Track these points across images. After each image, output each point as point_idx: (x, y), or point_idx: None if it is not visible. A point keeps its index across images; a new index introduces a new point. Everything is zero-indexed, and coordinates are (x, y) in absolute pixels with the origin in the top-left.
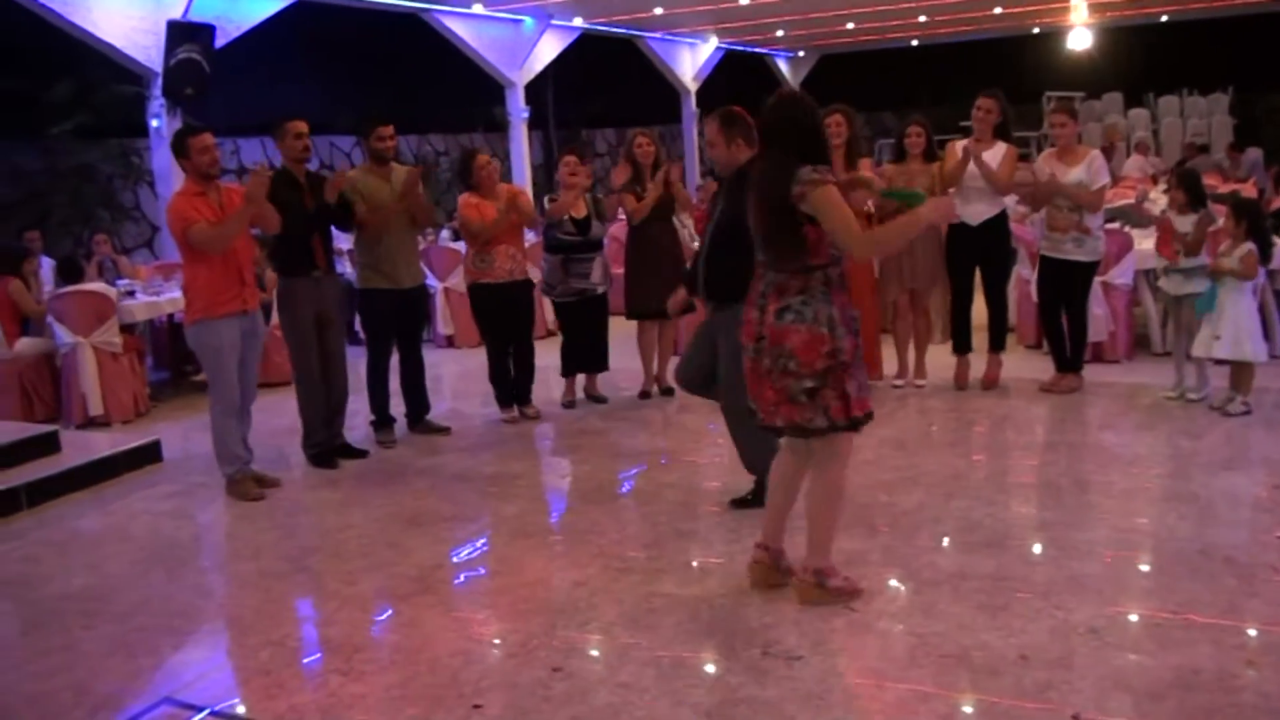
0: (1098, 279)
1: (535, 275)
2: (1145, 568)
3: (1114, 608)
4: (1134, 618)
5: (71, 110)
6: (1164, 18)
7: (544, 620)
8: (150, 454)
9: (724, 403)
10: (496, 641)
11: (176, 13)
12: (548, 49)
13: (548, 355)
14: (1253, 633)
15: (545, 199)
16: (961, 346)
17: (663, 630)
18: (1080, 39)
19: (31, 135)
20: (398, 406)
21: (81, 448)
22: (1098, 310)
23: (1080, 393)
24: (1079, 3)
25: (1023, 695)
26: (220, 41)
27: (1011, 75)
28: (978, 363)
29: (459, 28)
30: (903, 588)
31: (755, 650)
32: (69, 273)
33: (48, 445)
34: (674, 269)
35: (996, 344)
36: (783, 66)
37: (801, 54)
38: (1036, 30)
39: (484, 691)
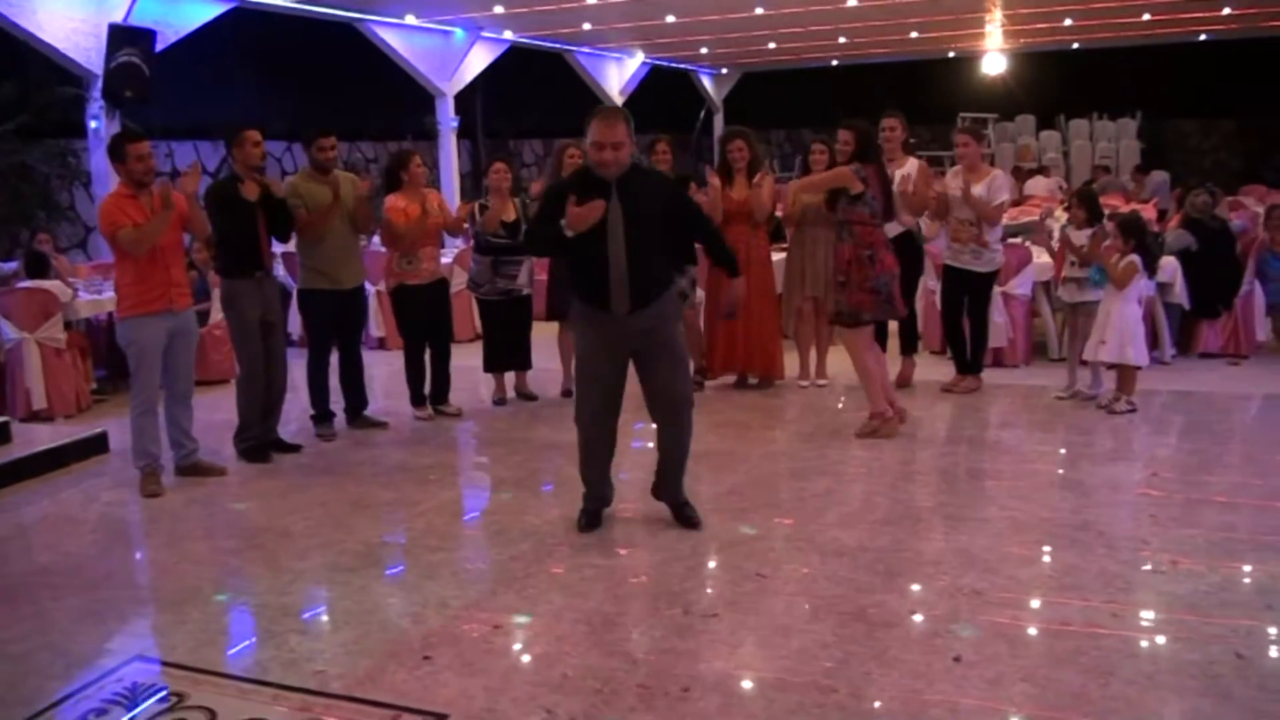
0: (999, 289)
1: (459, 277)
2: (1028, 541)
3: (996, 573)
4: (1015, 580)
5: (13, 110)
6: (1075, 45)
7: (484, 588)
8: (98, 445)
9: (680, 395)
10: (441, 605)
11: (118, 16)
12: (477, 60)
13: (475, 356)
14: (1118, 592)
15: (476, 205)
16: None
17: (594, 595)
18: (994, 63)
19: None
20: (336, 403)
21: (30, 439)
22: (998, 318)
23: (979, 393)
24: (993, 29)
25: (910, 643)
26: (160, 46)
27: (928, 96)
28: (891, 366)
29: (391, 38)
30: (808, 559)
31: (677, 610)
32: (36, 268)
33: None
34: None
35: (908, 347)
36: (706, 82)
37: (725, 71)
38: (952, 54)
39: (433, 646)
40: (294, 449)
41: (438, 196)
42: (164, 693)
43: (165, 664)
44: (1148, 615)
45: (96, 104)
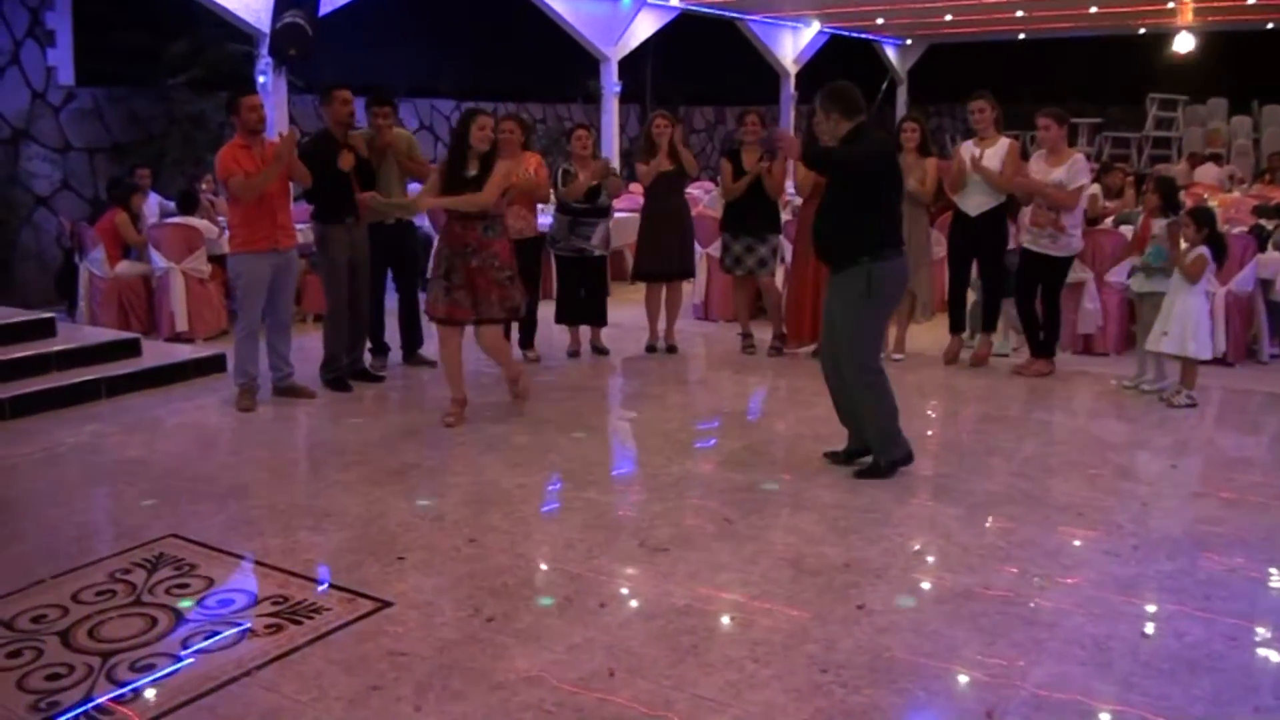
0: (1092, 275)
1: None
2: (1000, 515)
3: (948, 540)
4: (960, 548)
5: (188, 64)
6: (1269, 25)
7: (479, 507)
8: (216, 364)
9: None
10: (436, 518)
11: None
12: (644, 26)
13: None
14: (1060, 568)
15: (560, 171)
16: (955, 326)
17: (569, 523)
18: (1183, 42)
19: (152, 85)
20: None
21: (158, 354)
22: (1090, 305)
23: (1050, 377)
24: (1181, 7)
25: (829, 590)
26: (325, 8)
27: (1116, 74)
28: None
29: (556, 3)
30: (778, 512)
31: (634, 542)
32: (185, 205)
33: (130, 349)
34: (680, 238)
35: (988, 325)
36: (890, 53)
37: (909, 42)
38: (1142, 31)
39: (410, 550)
40: (378, 379)
41: (535, 159)
42: (178, 562)
43: (192, 542)
44: (1074, 591)
45: (264, 60)
